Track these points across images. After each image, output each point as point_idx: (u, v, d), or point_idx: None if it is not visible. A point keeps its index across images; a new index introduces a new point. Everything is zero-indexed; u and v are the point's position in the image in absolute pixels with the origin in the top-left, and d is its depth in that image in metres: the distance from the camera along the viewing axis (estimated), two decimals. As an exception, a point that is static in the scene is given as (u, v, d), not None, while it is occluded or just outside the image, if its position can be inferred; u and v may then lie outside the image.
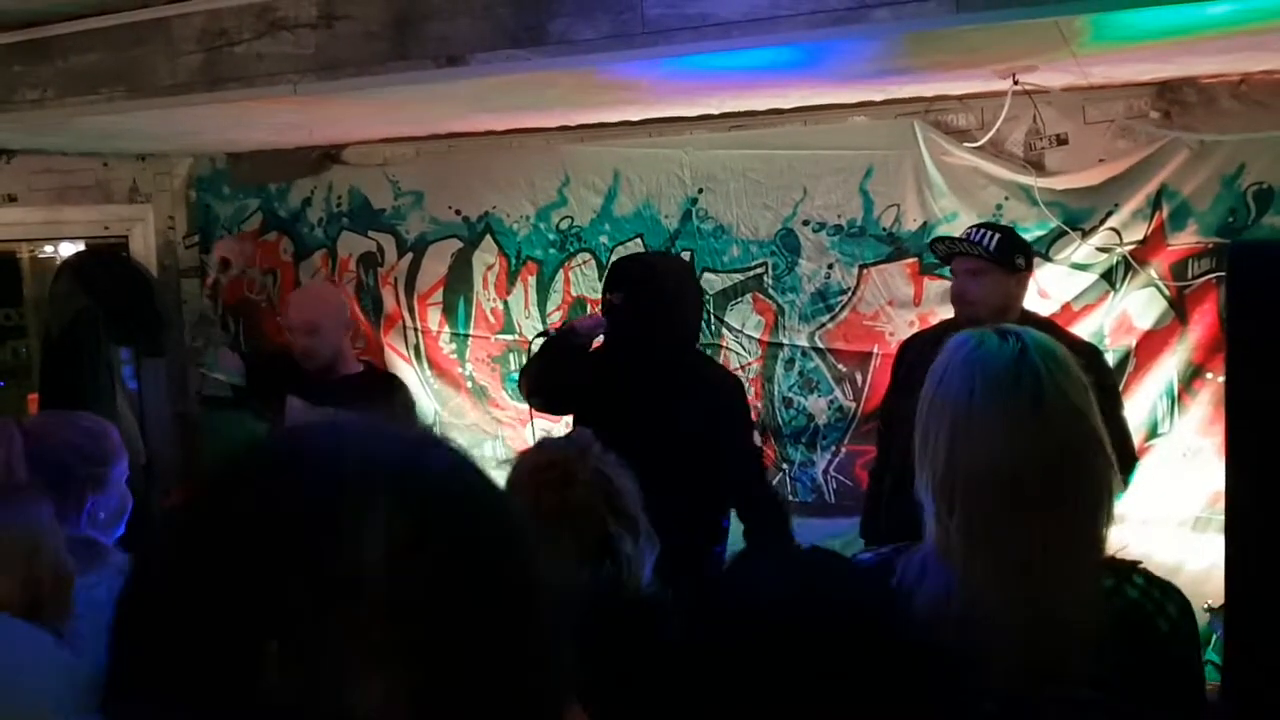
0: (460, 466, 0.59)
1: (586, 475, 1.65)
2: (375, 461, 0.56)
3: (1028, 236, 3.25)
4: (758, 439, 2.78)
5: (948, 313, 3.23)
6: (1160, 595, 1.31)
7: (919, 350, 3.04)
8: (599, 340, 2.93)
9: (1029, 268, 2.83)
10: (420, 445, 0.60)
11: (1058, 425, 1.25)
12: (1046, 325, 2.93)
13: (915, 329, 3.37)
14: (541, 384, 2.95)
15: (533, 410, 3.05)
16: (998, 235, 2.79)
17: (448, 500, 0.56)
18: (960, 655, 1.16)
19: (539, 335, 3.00)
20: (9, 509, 1.64)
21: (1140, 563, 1.36)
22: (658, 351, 2.81)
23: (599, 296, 3.98)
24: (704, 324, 3.80)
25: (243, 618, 0.50)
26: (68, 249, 4.63)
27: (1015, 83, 2.93)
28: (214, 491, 0.57)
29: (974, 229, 2.85)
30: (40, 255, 4.88)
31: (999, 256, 2.75)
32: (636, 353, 2.83)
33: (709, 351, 3.83)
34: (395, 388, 3.54)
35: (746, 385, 3.78)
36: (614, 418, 2.80)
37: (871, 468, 3.24)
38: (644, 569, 1.64)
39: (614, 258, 3.94)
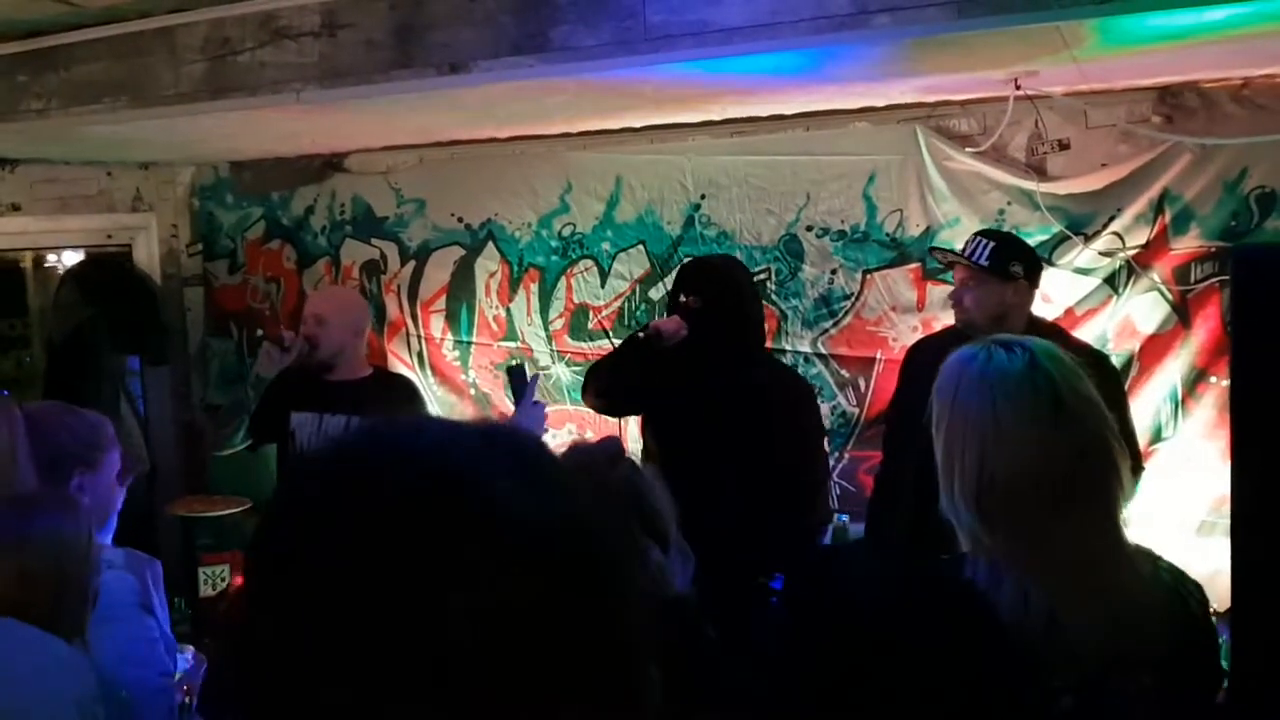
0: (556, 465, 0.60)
1: (617, 484, 1.65)
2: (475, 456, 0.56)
3: (1030, 242, 3.25)
4: (827, 460, 2.82)
5: (951, 318, 3.24)
6: (1184, 578, 1.41)
7: (926, 355, 3.04)
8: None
9: (1030, 275, 2.83)
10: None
11: (1079, 424, 1.32)
12: (1053, 330, 2.93)
13: (919, 334, 3.37)
14: (614, 384, 2.99)
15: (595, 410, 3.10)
16: (993, 244, 2.79)
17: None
18: (1045, 656, 1.19)
19: (508, 371, 3.04)
20: (36, 516, 1.64)
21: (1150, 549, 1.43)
22: (735, 353, 2.86)
23: (601, 303, 4.00)
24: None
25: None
26: (71, 258, 4.65)
27: (1017, 88, 2.94)
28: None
29: (974, 237, 2.85)
30: (44, 264, 4.89)
31: (991, 266, 2.75)
32: (714, 356, 2.85)
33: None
34: (406, 390, 3.54)
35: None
36: (682, 421, 2.84)
37: (876, 472, 3.24)
38: (674, 580, 1.63)
39: (615, 264, 3.95)
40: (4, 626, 1.47)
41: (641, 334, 2.95)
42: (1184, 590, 1.38)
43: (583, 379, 3.26)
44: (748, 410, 2.79)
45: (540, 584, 0.52)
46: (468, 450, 0.57)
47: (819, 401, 3.21)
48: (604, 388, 3.01)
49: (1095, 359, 2.83)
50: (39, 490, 1.80)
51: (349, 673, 0.50)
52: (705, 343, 2.86)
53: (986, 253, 2.76)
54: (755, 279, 3.28)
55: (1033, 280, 2.84)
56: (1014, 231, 3.23)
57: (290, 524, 0.56)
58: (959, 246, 2.92)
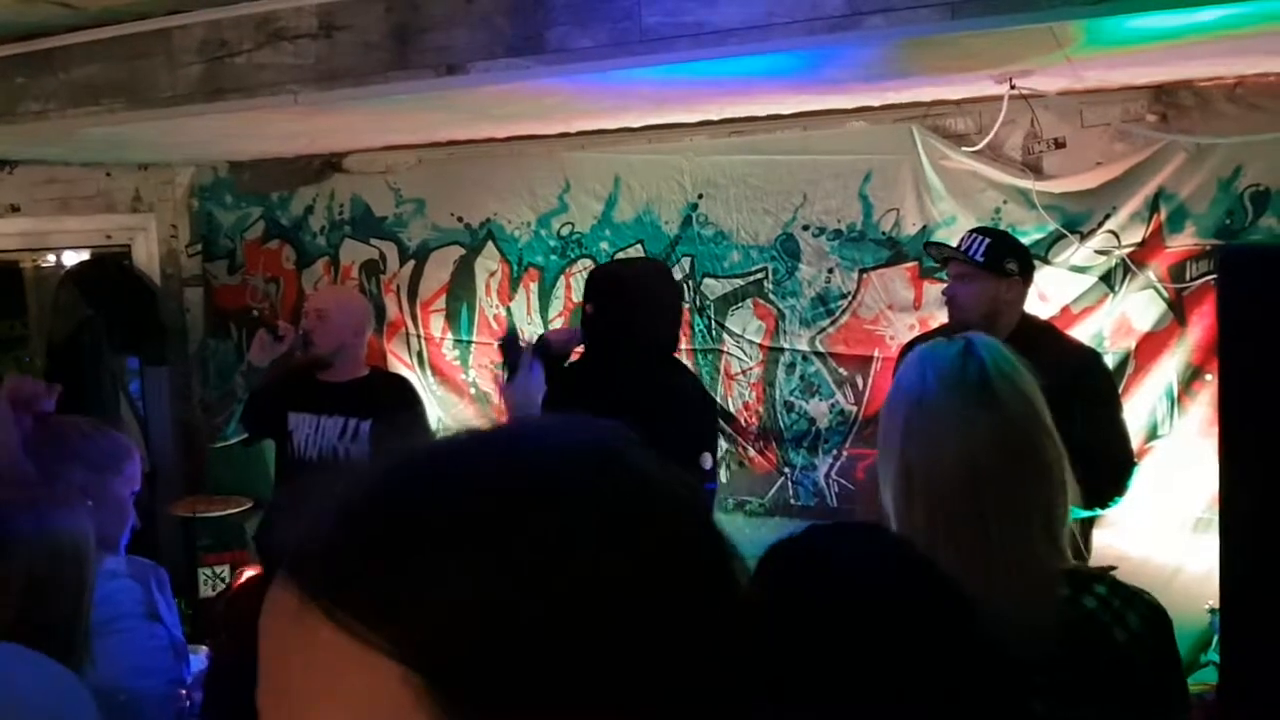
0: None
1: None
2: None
3: (1026, 240, 3.25)
4: (707, 461, 2.70)
5: (947, 316, 3.25)
6: (1121, 605, 1.28)
7: None
8: (578, 351, 2.91)
9: (1024, 272, 2.83)
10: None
11: (1006, 416, 1.26)
12: (1046, 329, 2.94)
13: (915, 332, 3.38)
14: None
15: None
16: (988, 241, 2.79)
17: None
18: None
19: (501, 343, 2.98)
20: (35, 517, 1.64)
21: (1112, 569, 1.34)
22: (626, 361, 2.72)
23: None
24: (704, 329, 3.83)
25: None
26: (71, 259, 4.66)
27: (1012, 87, 2.95)
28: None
29: (970, 234, 2.86)
30: (43, 265, 4.90)
31: (986, 263, 2.75)
32: (606, 363, 2.77)
33: (710, 359, 3.84)
34: (404, 391, 3.50)
35: (748, 390, 3.80)
36: None
37: (872, 472, 3.24)
38: None
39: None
40: (5, 652, 1.46)
41: (526, 343, 2.90)
42: (1109, 617, 1.27)
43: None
44: (631, 416, 2.72)
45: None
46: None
47: (816, 401, 3.19)
48: None
49: (1089, 357, 2.85)
50: (38, 490, 1.81)
51: None
52: (597, 353, 2.80)
53: (982, 249, 2.77)
54: (671, 288, 3.00)
55: (1026, 278, 2.85)
56: (1010, 230, 3.24)
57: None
58: (954, 244, 2.93)
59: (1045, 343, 2.68)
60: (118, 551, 2.04)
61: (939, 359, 1.30)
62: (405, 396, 3.47)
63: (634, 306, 2.76)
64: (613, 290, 2.80)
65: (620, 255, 3.94)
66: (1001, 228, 3.26)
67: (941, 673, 0.97)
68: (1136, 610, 1.28)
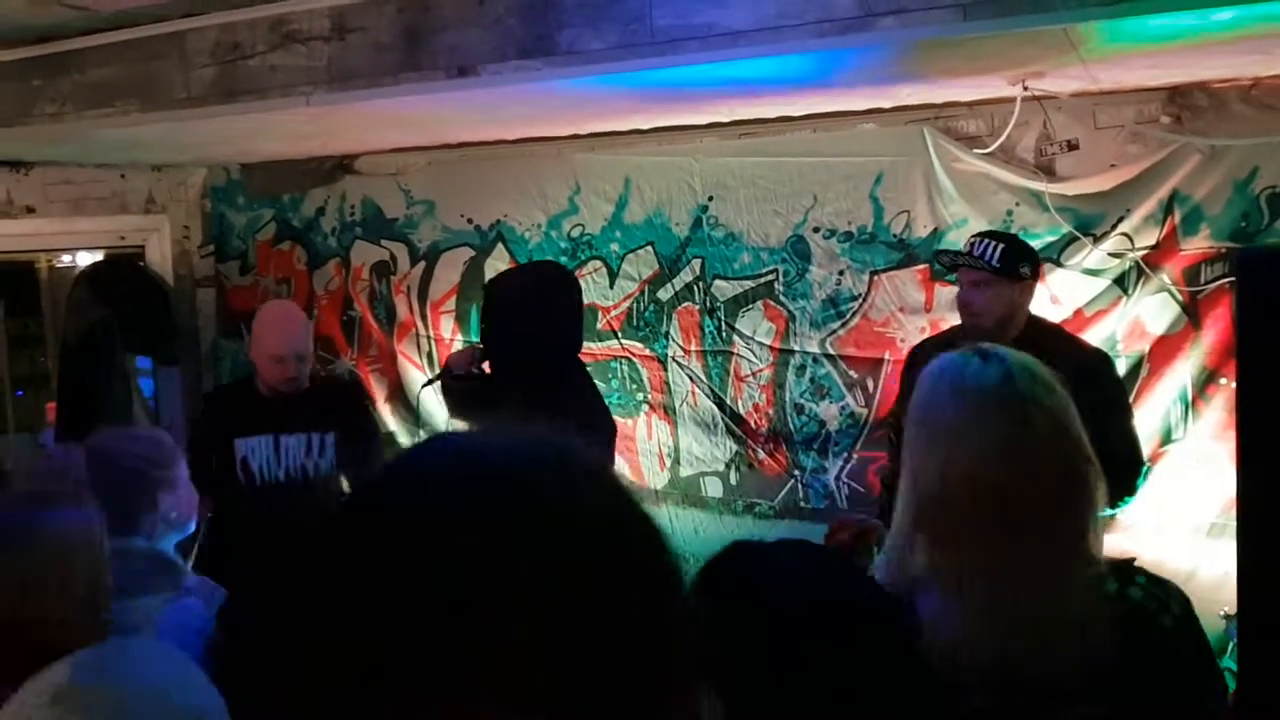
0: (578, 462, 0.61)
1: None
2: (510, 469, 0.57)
3: (1038, 243, 3.24)
4: None
5: (958, 318, 3.23)
6: (1163, 594, 1.33)
7: (929, 356, 3.03)
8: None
9: (1035, 275, 2.82)
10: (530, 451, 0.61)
11: (1044, 440, 1.29)
12: (1054, 331, 2.93)
13: (926, 335, 3.37)
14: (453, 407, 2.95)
15: None
16: (1001, 246, 2.77)
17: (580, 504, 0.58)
18: (957, 676, 1.17)
19: (425, 384, 2.99)
20: (49, 515, 1.64)
21: (1136, 559, 1.38)
22: (524, 374, 2.67)
23: (609, 304, 4.02)
24: (715, 331, 3.82)
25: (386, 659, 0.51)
26: (85, 259, 4.68)
27: (1025, 89, 2.93)
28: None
29: (977, 239, 2.84)
30: (58, 265, 4.93)
31: (1003, 268, 2.74)
32: (503, 376, 2.76)
33: (720, 360, 3.84)
34: (357, 394, 3.47)
35: (757, 392, 3.79)
36: None
37: (883, 474, 3.24)
38: None
39: (624, 265, 3.96)
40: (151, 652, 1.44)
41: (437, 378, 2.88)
42: (1156, 605, 1.31)
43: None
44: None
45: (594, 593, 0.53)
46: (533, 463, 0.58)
47: (827, 403, 3.15)
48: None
49: (1098, 358, 2.83)
50: (45, 489, 1.81)
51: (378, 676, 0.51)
52: (494, 365, 2.78)
53: (997, 255, 2.75)
54: (565, 295, 2.89)
55: (1037, 280, 2.84)
56: (1023, 232, 3.22)
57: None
58: (962, 248, 2.91)
59: (1054, 344, 2.66)
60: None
61: (979, 392, 1.30)
62: (358, 402, 3.43)
63: (525, 318, 2.72)
64: (494, 306, 2.79)
65: (631, 257, 3.94)
66: (1014, 230, 3.25)
67: (866, 679, 0.99)
68: (1174, 597, 1.34)
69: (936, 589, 1.29)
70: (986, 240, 2.81)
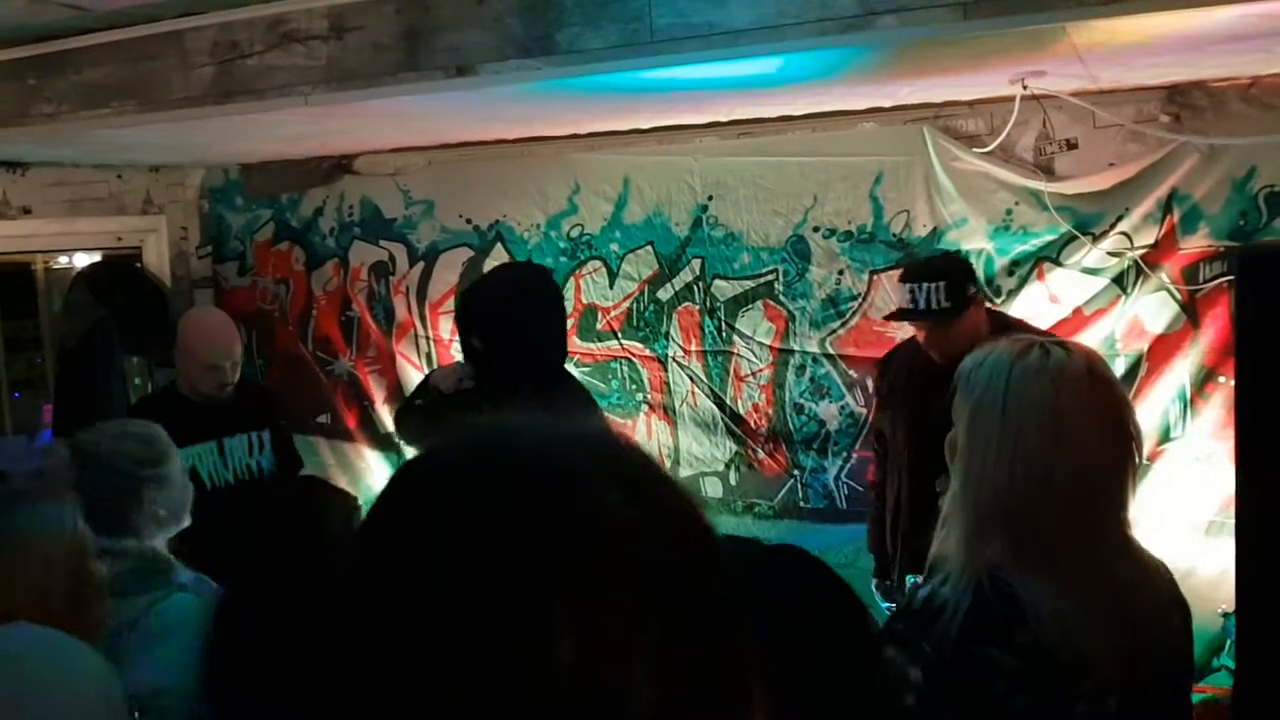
0: (637, 451, 0.59)
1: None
2: (583, 452, 0.56)
3: (1038, 241, 3.25)
4: None
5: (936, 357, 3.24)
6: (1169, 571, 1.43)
7: (900, 363, 3.05)
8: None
9: (978, 285, 2.84)
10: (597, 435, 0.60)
11: (1125, 429, 1.34)
12: (1016, 324, 2.93)
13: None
14: (419, 437, 2.86)
15: None
16: (942, 283, 2.73)
17: (653, 482, 0.56)
18: (1065, 665, 1.19)
19: (401, 409, 2.96)
20: (24, 512, 1.63)
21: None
22: (512, 382, 2.59)
23: (609, 304, 4.01)
24: (714, 331, 3.82)
25: (526, 620, 0.49)
26: (82, 260, 4.67)
27: (1024, 88, 2.93)
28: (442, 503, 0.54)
29: (915, 285, 2.78)
30: (55, 266, 4.92)
31: (954, 306, 2.73)
32: (497, 388, 2.66)
33: (719, 360, 3.84)
34: (270, 392, 3.51)
35: (757, 392, 3.79)
36: None
37: (874, 480, 3.25)
38: None
39: (624, 265, 3.96)
40: (19, 631, 1.44)
41: (420, 399, 2.83)
42: (1174, 577, 1.42)
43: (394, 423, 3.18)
44: None
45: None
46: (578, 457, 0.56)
47: (826, 403, 3.15)
48: (414, 440, 2.89)
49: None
50: (23, 483, 1.81)
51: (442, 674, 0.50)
52: (493, 386, 2.67)
53: (943, 296, 2.72)
54: (552, 294, 2.91)
55: (979, 287, 2.85)
56: (1022, 231, 3.23)
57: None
58: (903, 301, 2.84)
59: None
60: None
61: (1071, 378, 1.34)
62: (276, 398, 3.52)
63: (515, 325, 2.68)
64: (489, 315, 2.72)
65: (631, 257, 3.93)
66: (1013, 229, 3.26)
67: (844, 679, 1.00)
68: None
69: (1038, 577, 1.30)
70: (924, 285, 2.75)
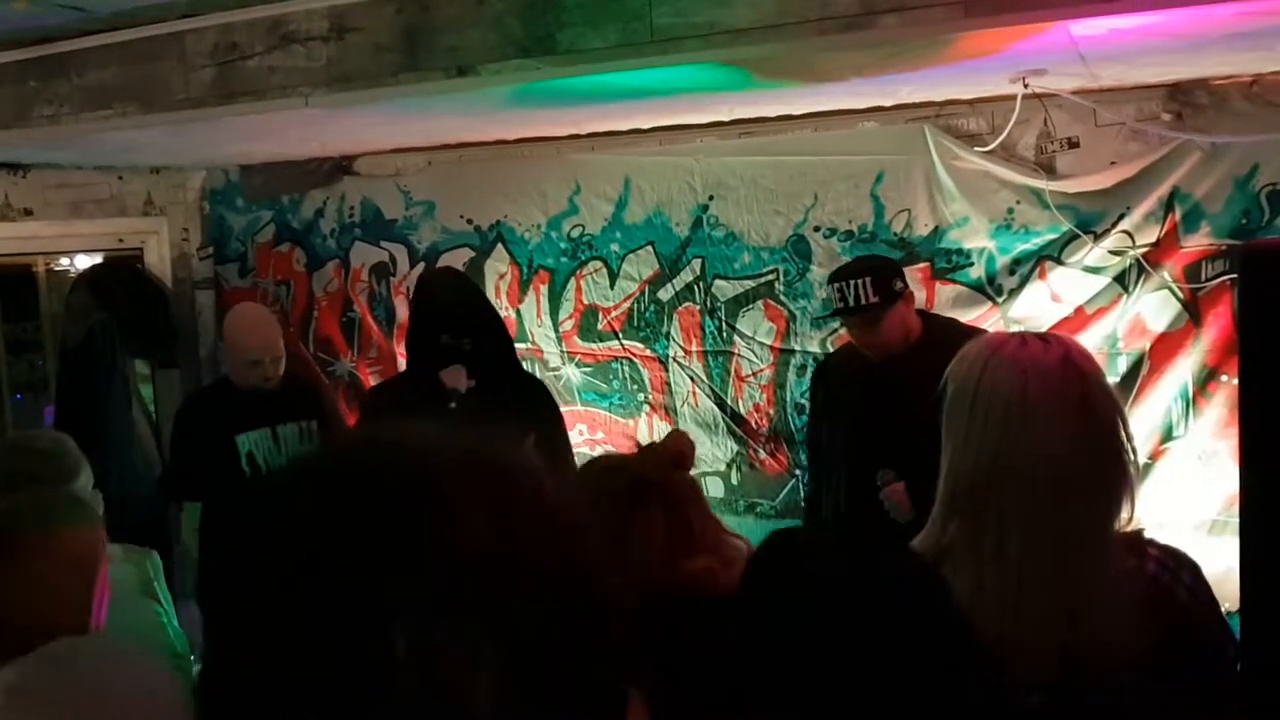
0: (514, 456, 0.60)
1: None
2: (460, 472, 0.57)
3: (1040, 240, 3.25)
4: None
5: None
6: (1174, 564, 1.37)
7: (838, 372, 3.07)
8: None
9: (905, 281, 2.86)
10: (472, 441, 0.61)
11: (1101, 420, 1.32)
12: (950, 324, 2.98)
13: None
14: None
15: None
16: (868, 278, 2.76)
17: (518, 491, 0.57)
18: (1005, 653, 1.18)
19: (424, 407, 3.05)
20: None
21: (1144, 530, 1.41)
22: (501, 377, 2.91)
23: (610, 305, 4.01)
24: (715, 331, 3.82)
25: (366, 621, 0.50)
26: (83, 262, 4.67)
27: (1025, 86, 2.93)
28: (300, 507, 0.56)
29: (842, 283, 2.80)
30: (56, 268, 4.92)
31: (882, 300, 2.75)
32: (494, 386, 2.87)
33: (720, 360, 3.84)
34: (319, 380, 3.57)
35: (758, 392, 3.79)
36: None
37: (807, 495, 3.30)
38: None
39: (624, 265, 3.96)
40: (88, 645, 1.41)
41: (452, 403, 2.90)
42: (1169, 578, 1.36)
43: None
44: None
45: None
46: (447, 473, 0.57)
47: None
48: None
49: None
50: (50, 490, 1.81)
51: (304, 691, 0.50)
52: (486, 386, 2.86)
53: (869, 290, 2.75)
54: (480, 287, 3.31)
55: (906, 282, 2.86)
56: (1023, 230, 3.23)
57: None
58: (832, 299, 2.87)
59: (955, 337, 2.67)
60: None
61: (1040, 369, 1.33)
62: (323, 387, 3.62)
63: (489, 322, 2.99)
64: (475, 315, 2.97)
65: (631, 257, 3.92)
66: (1015, 228, 3.25)
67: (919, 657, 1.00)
68: (1185, 567, 1.38)
69: (970, 560, 1.30)
70: (851, 281, 2.78)
